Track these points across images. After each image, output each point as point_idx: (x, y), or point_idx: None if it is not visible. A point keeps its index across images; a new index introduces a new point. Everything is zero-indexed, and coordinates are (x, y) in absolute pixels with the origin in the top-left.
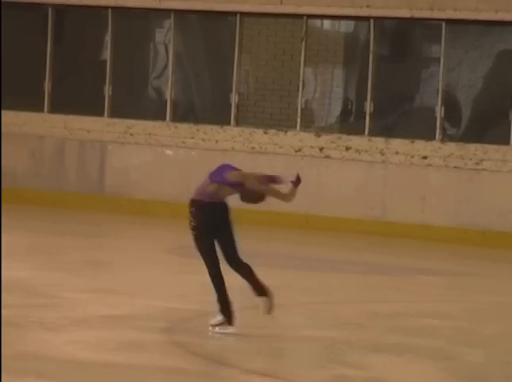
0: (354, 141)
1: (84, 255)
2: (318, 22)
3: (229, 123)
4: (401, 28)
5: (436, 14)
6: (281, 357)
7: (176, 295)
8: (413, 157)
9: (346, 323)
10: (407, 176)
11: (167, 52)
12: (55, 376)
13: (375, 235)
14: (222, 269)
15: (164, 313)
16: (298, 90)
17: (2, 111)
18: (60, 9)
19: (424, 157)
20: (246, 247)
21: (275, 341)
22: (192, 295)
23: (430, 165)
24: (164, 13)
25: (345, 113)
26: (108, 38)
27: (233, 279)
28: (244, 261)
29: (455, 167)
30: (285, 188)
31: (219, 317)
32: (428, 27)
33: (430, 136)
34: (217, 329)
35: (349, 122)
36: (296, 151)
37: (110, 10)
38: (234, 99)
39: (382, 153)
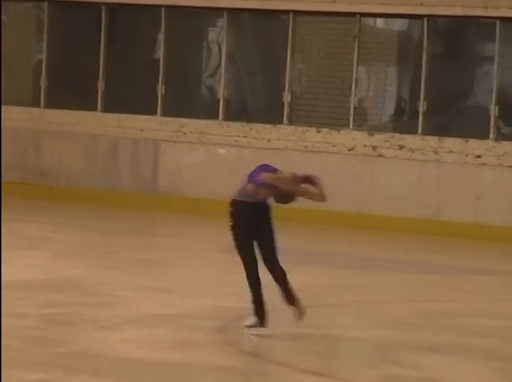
0: (408, 140)
1: (137, 253)
2: (371, 20)
3: (281, 122)
4: (455, 26)
5: (491, 12)
6: (334, 357)
7: (229, 294)
8: (466, 156)
9: (399, 322)
10: (461, 175)
11: (220, 51)
12: (108, 374)
13: (428, 234)
14: (260, 271)
15: (216, 312)
16: (351, 88)
17: (56, 111)
18: (113, 8)
19: (478, 156)
20: (298, 245)
21: (328, 340)
22: (244, 294)
23: (484, 164)
24: (217, 11)
25: (398, 112)
26: (161, 37)
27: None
28: (280, 265)
29: (509, 166)
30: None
31: (253, 319)
32: (482, 25)
33: (484, 135)
34: (253, 331)
35: (402, 120)
36: (349, 150)
37: (163, 9)
38: (286, 97)
39: (435, 152)
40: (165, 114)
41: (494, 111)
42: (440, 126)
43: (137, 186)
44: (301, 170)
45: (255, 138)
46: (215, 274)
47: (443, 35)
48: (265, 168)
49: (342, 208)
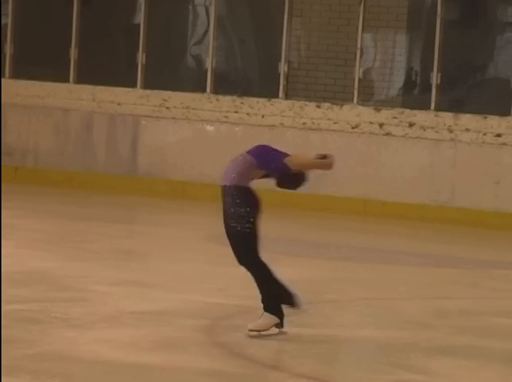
0: (419, 116)
1: (114, 243)
2: None
3: (277, 96)
4: None
5: None
6: (335, 360)
7: (217, 289)
8: (485, 134)
9: (409, 322)
10: (478, 156)
11: (208, 16)
12: (81, 379)
13: (442, 222)
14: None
15: (204, 310)
16: (355, 58)
17: (24, 82)
18: None
19: (498, 135)
20: (295, 235)
21: (328, 341)
22: (234, 289)
23: (505, 143)
24: None
25: (408, 85)
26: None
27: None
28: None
29: None
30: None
31: (269, 320)
32: None
33: (505, 111)
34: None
35: (413, 95)
36: (352, 128)
37: None
38: (283, 68)
39: (450, 130)
40: (146, 86)
41: None
42: (455, 101)
43: (114, 167)
44: (299, 150)
45: (247, 114)
46: (201, 266)
47: None
48: (266, 149)
49: (345, 193)
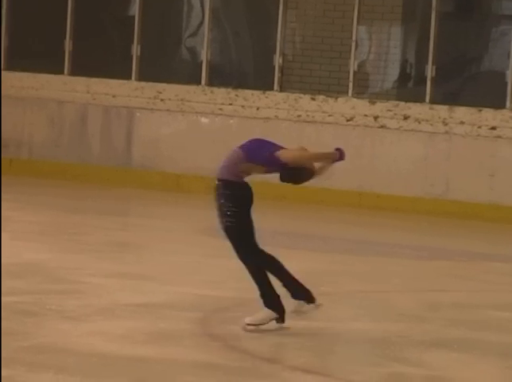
0: (414, 109)
1: (109, 235)
2: None
3: (272, 88)
4: None
5: None
6: (330, 352)
7: (212, 281)
8: (480, 127)
9: (404, 314)
10: (473, 149)
11: (202, 8)
12: (75, 371)
13: (436, 215)
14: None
15: (198, 302)
16: (350, 51)
17: (18, 74)
18: None
19: (493, 128)
20: (289, 227)
21: (322, 334)
22: (229, 282)
23: (500, 136)
24: None
25: (403, 77)
26: None
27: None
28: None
29: None
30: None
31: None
32: None
33: (500, 104)
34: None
35: (408, 87)
36: (347, 120)
37: None
38: (277, 60)
39: (444, 123)
40: (141, 78)
41: (511, 77)
42: (450, 94)
43: (108, 159)
44: (294, 142)
45: (242, 106)
46: (196, 258)
47: None
48: (266, 143)
49: (339, 186)
